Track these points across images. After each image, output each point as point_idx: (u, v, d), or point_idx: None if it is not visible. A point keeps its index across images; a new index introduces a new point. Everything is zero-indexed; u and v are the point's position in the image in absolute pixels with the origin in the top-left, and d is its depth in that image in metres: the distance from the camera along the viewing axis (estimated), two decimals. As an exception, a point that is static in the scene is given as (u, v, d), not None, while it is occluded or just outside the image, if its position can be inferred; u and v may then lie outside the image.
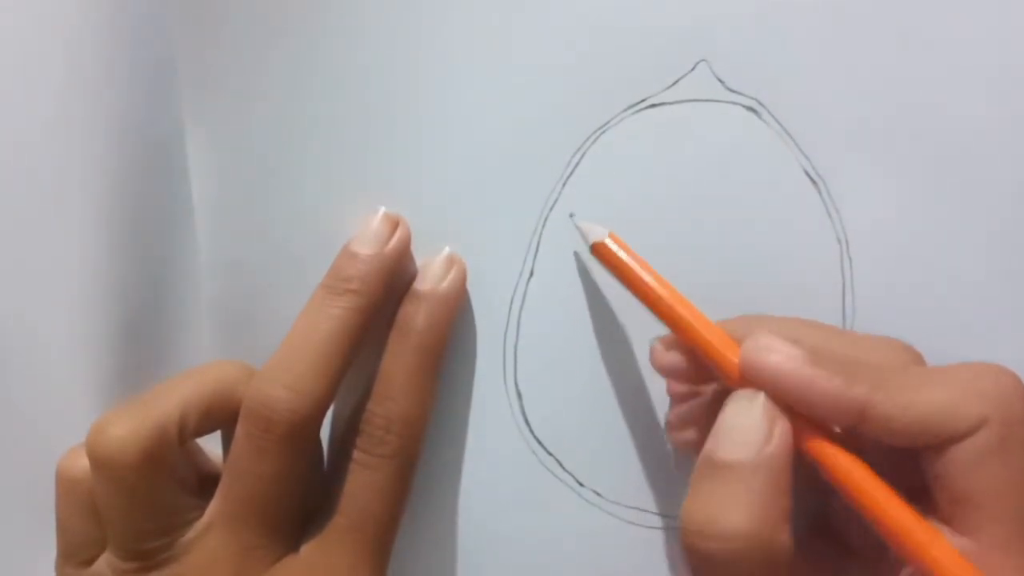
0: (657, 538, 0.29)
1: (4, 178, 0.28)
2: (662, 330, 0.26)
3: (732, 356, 0.23)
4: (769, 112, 0.27)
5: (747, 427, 0.22)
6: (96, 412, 0.28)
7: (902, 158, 0.27)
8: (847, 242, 0.28)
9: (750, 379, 0.22)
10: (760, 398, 0.22)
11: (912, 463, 0.22)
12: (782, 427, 0.22)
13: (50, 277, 0.28)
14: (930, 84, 0.27)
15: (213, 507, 0.26)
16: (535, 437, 0.29)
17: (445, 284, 0.27)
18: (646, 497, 0.29)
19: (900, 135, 0.27)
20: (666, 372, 0.26)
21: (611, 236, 0.26)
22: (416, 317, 0.27)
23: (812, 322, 0.25)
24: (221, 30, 0.27)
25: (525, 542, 0.29)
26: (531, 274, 0.28)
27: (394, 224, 0.27)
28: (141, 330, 0.29)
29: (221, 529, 0.25)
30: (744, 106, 0.27)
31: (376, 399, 0.27)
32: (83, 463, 0.25)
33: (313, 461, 0.28)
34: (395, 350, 0.27)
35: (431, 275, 0.27)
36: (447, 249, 0.28)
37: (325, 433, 0.28)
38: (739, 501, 0.21)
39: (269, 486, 0.25)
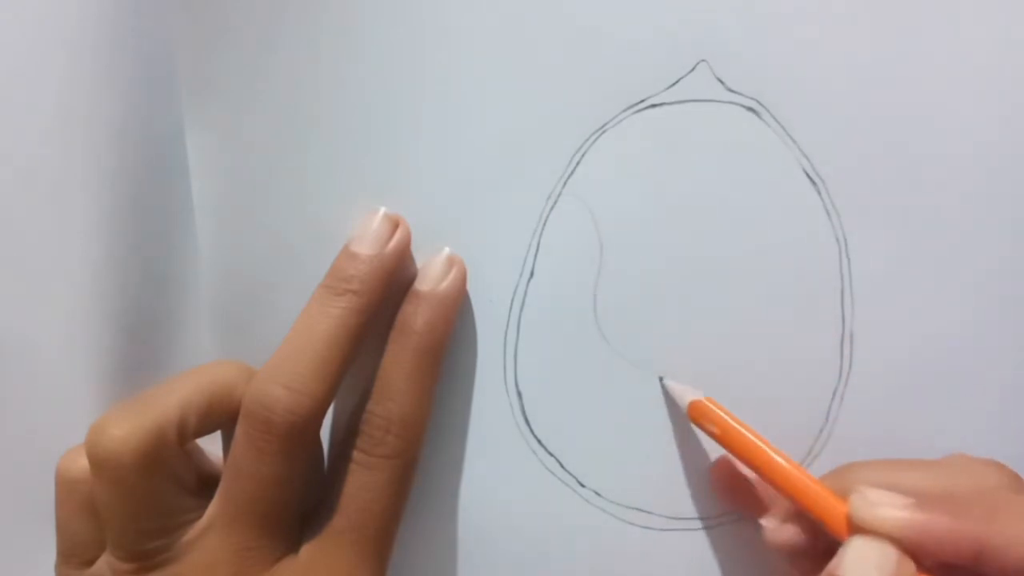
0: (657, 538, 0.29)
1: (4, 178, 0.28)
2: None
3: (839, 509, 0.23)
4: (769, 112, 0.27)
5: (875, 564, 0.22)
6: (96, 412, 0.28)
7: (901, 157, 0.27)
8: (846, 242, 0.28)
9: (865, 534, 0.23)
10: (887, 543, 0.22)
11: None
12: (907, 569, 0.22)
13: (50, 277, 0.28)
14: (930, 84, 0.27)
15: (213, 507, 0.25)
16: (535, 437, 0.29)
17: (445, 284, 0.27)
18: (646, 497, 0.29)
19: (899, 135, 0.27)
20: (786, 548, 0.26)
21: (708, 399, 0.27)
22: (416, 317, 0.27)
23: (902, 462, 0.25)
24: (221, 30, 0.27)
25: (525, 542, 0.29)
26: (531, 274, 0.28)
27: (394, 224, 0.27)
28: (141, 330, 0.29)
29: (221, 529, 0.25)
30: (744, 106, 0.27)
31: (376, 399, 0.27)
32: (83, 463, 0.25)
33: (313, 461, 0.28)
34: (395, 350, 0.27)
35: (431, 275, 0.27)
36: (447, 249, 0.28)
37: (325, 433, 0.28)
38: None
39: (269, 486, 0.25)
